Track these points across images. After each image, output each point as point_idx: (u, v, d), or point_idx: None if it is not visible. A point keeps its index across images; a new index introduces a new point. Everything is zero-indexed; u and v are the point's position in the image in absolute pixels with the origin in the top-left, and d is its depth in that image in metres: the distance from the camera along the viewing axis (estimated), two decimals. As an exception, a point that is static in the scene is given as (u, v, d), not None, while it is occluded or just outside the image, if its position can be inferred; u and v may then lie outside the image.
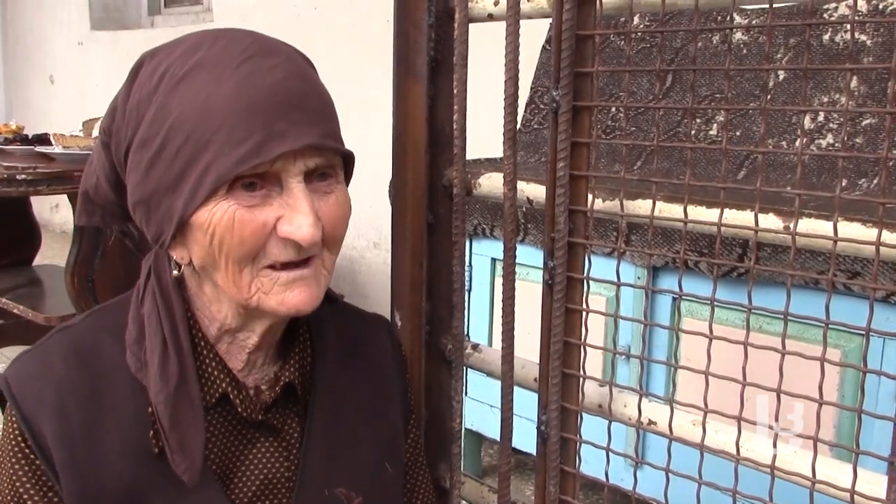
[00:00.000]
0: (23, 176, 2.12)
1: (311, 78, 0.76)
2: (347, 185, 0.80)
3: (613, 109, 2.15)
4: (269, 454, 0.82)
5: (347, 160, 0.79)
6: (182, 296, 0.79)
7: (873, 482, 0.70)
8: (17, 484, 0.74)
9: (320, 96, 0.76)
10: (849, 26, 1.76)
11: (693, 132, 1.93)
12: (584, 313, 0.87)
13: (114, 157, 0.79)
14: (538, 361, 0.91)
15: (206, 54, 0.73)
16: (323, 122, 0.74)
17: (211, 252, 0.73)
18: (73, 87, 5.41)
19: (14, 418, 0.75)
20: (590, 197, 0.85)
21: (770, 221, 0.74)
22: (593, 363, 0.87)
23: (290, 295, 0.75)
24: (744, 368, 0.73)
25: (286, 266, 0.74)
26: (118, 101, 0.78)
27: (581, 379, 0.88)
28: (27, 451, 0.74)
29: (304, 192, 0.73)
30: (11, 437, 0.75)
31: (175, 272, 0.79)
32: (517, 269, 0.95)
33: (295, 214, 0.72)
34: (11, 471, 0.74)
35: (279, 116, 0.71)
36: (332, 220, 0.76)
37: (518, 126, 0.89)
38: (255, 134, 0.70)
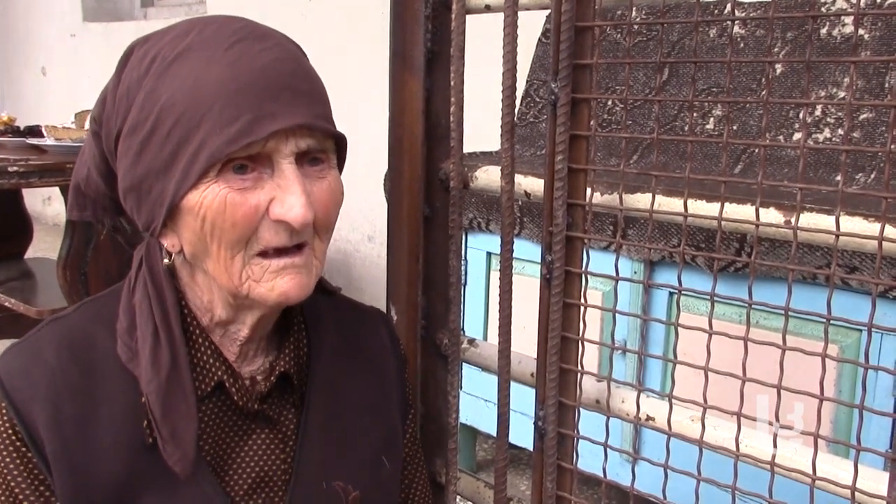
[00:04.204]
0: (14, 168, 2.10)
1: (302, 61, 0.76)
2: (340, 171, 0.80)
3: (609, 103, 2.14)
4: (266, 446, 0.82)
5: (340, 145, 0.79)
6: (174, 284, 0.78)
7: (874, 479, 0.69)
8: (9, 477, 0.73)
9: (311, 79, 0.75)
10: (845, 20, 1.75)
11: (687, 127, 1.92)
12: (581, 308, 0.86)
13: (104, 145, 0.78)
14: (535, 356, 0.90)
15: (196, 38, 0.72)
16: (314, 103, 0.74)
17: (202, 237, 0.72)
18: (66, 79, 5.38)
19: (5, 410, 0.73)
20: (588, 190, 0.84)
21: (771, 216, 0.74)
22: (589, 358, 0.86)
23: (281, 282, 0.74)
24: (744, 364, 0.72)
25: (278, 253, 0.74)
26: (108, 89, 0.77)
27: (578, 374, 0.87)
28: (18, 443, 0.73)
29: (296, 172, 0.72)
30: (2, 429, 0.73)
31: (166, 260, 0.78)
32: (513, 263, 0.94)
33: (287, 196, 0.71)
34: (2, 464, 0.73)
35: (270, 97, 0.70)
36: (325, 205, 0.75)
37: (514, 119, 0.89)
38: (246, 114, 0.69)
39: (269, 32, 0.75)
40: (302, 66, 0.75)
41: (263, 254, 0.74)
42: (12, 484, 0.73)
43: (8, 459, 0.73)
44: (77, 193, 0.84)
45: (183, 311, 0.78)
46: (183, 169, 0.70)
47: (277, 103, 0.70)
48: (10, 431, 0.73)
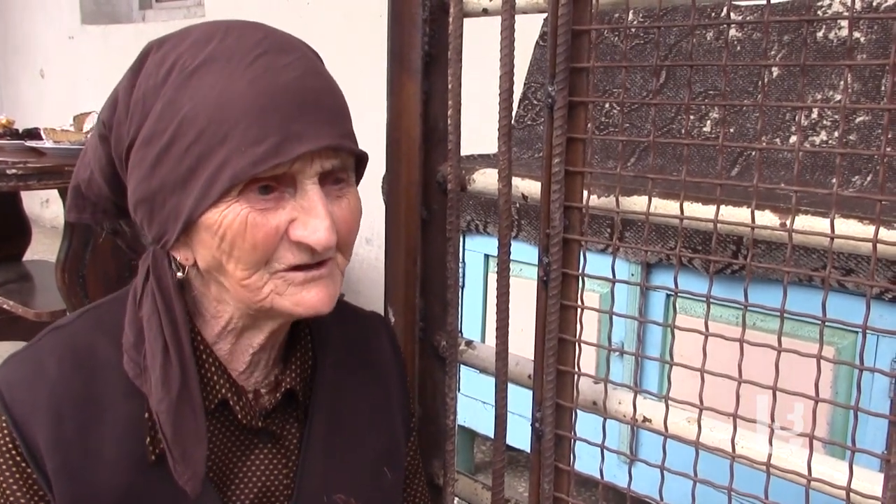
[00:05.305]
0: (13, 170, 2.10)
1: (326, 75, 0.74)
2: (357, 184, 0.78)
3: (607, 106, 2.14)
4: (268, 461, 0.81)
5: (360, 161, 0.77)
6: (183, 298, 0.76)
7: (869, 480, 0.70)
8: (8, 493, 0.71)
9: (335, 95, 0.73)
10: (842, 23, 1.76)
11: (684, 130, 1.93)
12: (578, 310, 0.86)
13: (113, 151, 0.75)
14: (532, 358, 0.91)
15: (217, 47, 0.70)
16: (339, 122, 0.72)
17: (219, 255, 0.70)
18: (64, 82, 5.38)
19: (4, 424, 0.72)
20: (585, 193, 0.84)
21: (766, 218, 0.74)
22: (586, 360, 0.87)
23: (308, 295, 0.72)
24: (739, 365, 0.72)
25: (298, 268, 0.72)
26: (120, 92, 0.74)
27: (576, 376, 0.87)
28: (18, 458, 0.71)
29: (320, 194, 0.70)
30: (1, 443, 0.72)
31: (179, 273, 0.75)
32: (511, 265, 0.94)
33: (310, 219, 0.70)
34: (1, 478, 0.72)
35: (296, 116, 0.68)
36: (347, 224, 0.74)
37: (512, 122, 0.89)
38: (273, 134, 0.67)
39: (291, 43, 0.73)
40: (326, 82, 0.73)
41: (284, 270, 0.72)
42: (11, 499, 0.72)
43: (7, 475, 0.72)
44: (77, 195, 0.82)
45: (189, 327, 0.76)
46: (203, 186, 0.68)
47: (304, 123, 0.68)
48: (9, 446, 0.72)
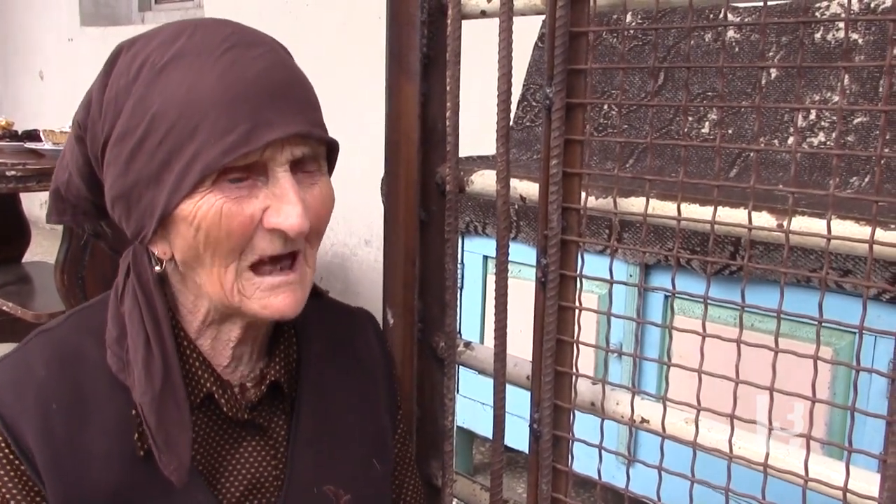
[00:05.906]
0: (12, 172, 2.11)
1: (294, 67, 0.76)
2: (330, 175, 0.80)
3: (605, 107, 2.15)
4: (256, 453, 0.82)
5: (331, 150, 0.79)
6: (164, 292, 0.78)
7: (866, 480, 0.70)
8: (4, 490, 0.73)
9: (304, 85, 0.75)
10: (840, 25, 1.76)
11: (682, 131, 1.93)
12: (576, 311, 0.86)
13: (89, 150, 0.77)
14: (530, 359, 0.91)
15: (186, 44, 0.72)
16: (308, 110, 0.74)
17: (195, 246, 0.72)
18: (63, 83, 5.38)
19: None
20: (583, 194, 0.85)
21: (763, 219, 0.74)
22: (585, 361, 0.87)
23: (275, 300, 0.74)
24: (737, 366, 0.73)
25: (273, 260, 0.74)
26: (93, 93, 0.76)
27: (574, 377, 0.87)
28: (11, 456, 0.73)
29: (291, 181, 0.72)
30: None
31: (157, 268, 0.77)
32: (509, 266, 0.94)
33: (283, 205, 0.71)
34: None
35: (265, 105, 0.70)
36: (317, 212, 0.75)
37: (510, 123, 0.89)
38: (242, 123, 0.69)
39: (259, 38, 0.75)
40: (294, 72, 0.75)
41: (255, 267, 0.73)
42: (7, 497, 0.73)
43: (1, 472, 0.73)
44: (57, 198, 0.83)
45: (172, 321, 0.77)
46: (176, 179, 0.70)
47: (273, 112, 0.70)
48: (1, 445, 0.73)
